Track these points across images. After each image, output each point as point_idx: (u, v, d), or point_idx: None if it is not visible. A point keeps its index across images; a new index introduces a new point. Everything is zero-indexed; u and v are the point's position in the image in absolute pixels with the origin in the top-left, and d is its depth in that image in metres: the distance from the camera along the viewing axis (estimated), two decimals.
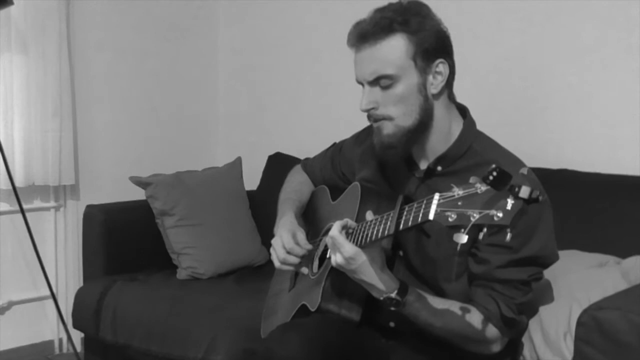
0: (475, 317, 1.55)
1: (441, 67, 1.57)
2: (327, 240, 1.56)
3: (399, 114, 1.57)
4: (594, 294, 1.74)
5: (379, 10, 1.59)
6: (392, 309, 1.53)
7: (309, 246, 1.77)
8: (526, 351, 1.81)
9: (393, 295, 1.51)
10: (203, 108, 3.57)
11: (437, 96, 1.59)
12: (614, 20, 2.33)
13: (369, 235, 1.49)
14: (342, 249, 1.51)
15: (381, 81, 1.56)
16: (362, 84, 1.60)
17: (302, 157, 2.20)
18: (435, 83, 1.58)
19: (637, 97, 2.28)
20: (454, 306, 1.56)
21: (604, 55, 2.36)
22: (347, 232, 1.56)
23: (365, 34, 1.56)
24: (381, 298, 1.53)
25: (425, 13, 1.58)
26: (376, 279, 1.51)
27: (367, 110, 1.60)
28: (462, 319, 1.54)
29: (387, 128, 1.59)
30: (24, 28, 2.86)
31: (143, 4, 3.29)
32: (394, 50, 1.55)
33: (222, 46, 3.57)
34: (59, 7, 2.92)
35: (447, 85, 1.60)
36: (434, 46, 1.56)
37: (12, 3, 2.50)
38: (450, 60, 1.60)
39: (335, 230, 1.53)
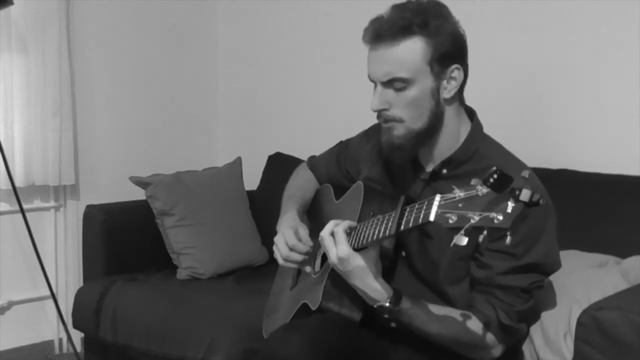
0: (473, 324, 1.54)
1: (456, 72, 1.56)
2: (322, 234, 1.55)
3: (410, 116, 1.55)
4: (594, 294, 1.74)
5: (398, 9, 1.55)
6: (386, 316, 1.53)
7: (311, 242, 1.76)
8: (526, 351, 1.81)
9: (386, 304, 1.51)
10: (203, 108, 3.57)
11: (449, 101, 1.58)
12: (614, 21, 2.33)
13: (370, 234, 1.48)
14: (338, 247, 1.50)
15: (395, 83, 1.54)
16: (375, 83, 1.58)
17: (302, 157, 2.19)
18: (449, 88, 1.56)
19: (637, 97, 2.28)
20: (452, 313, 1.55)
21: (604, 56, 2.36)
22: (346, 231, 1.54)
23: (382, 33, 1.53)
24: (374, 306, 1.53)
25: (444, 15, 1.55)
26: (368, 286, 1.51)
27: (378, 111, 1.59)
28: (458, 326, 1.54)
29: (397, 130, 1.57)
30: (24, 28, 2.86)
31: (143, 4, 3.29)
32: (411, 53, 1.52)
33: (222, 46, 3.57)
34: (59, 7, 2.92)
35: (459, 90, 1.59)
36: (450, 51, 1.54)
37: (12, 3, 2.50)
38: (465, 65, 1.58)
39: (340, 228, 1.52)
